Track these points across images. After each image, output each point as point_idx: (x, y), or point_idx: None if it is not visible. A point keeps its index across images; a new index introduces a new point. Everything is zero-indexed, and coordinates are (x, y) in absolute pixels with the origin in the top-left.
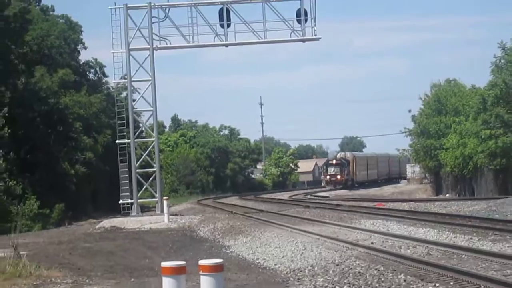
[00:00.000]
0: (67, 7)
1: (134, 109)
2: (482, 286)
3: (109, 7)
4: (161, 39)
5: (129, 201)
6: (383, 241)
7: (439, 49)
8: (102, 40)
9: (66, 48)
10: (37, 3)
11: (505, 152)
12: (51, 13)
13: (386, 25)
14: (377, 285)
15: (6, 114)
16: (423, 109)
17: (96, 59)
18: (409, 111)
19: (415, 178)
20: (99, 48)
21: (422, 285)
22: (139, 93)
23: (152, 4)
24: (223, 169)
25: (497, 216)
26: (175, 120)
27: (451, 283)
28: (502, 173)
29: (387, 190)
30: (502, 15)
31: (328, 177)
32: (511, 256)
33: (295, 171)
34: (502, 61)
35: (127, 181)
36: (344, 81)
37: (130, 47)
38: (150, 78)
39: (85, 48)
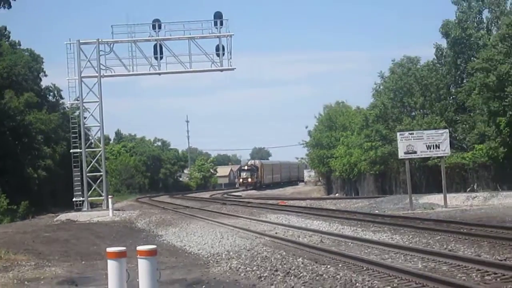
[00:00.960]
0: (31, 42)
1: (85, 125)
2: (365, 267)
3: (65, 42)
4: (107, 68)
5: (81, 199)
6: (285, 231)
7: (332, 78)
8: (59, 68)
9: (30, 75)
10: (7, 39)
11: (383, 160)
12: (18, 47)
13: (292, 58)
14: (280, 267)
15: None
16: (317, 126)
17: (54, 85)
18: (306, 127)
19: (311, 181)
20: (57, 75)
21: (317, 267)
22: (89, 112)
23: (100, 40)
24: (157, 173)
25: (377, 211)
26: (118, 133)
27: (340, 265)
28: (380, 177)
29: (288, 190)
30: (382, 51)
31: (241, 180)
32: (388, 244)
33: (215, 175)
34: (381, 87)
35: (79, 183)
36: (255, 102)
37: (82, 75)
38: (98, 100)
39: (45, 75)
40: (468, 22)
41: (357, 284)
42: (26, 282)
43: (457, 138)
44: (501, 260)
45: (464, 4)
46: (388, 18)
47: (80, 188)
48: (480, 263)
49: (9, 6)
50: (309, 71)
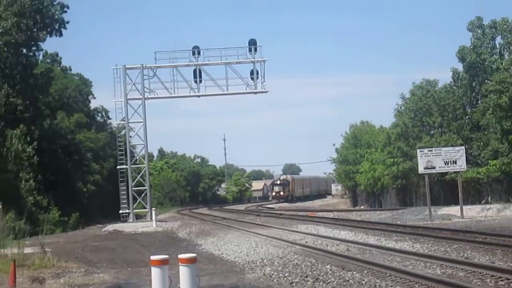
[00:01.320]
0: (81, 67)
1: (130, 143)
2: (388, 274)
3: (112, 67)
4: (151, 91)
5: (127, 211)
6: (314, 241)
7: (357, 99)
8: (107, 91)
9: (80, 98)
10: (58, 64)
11: (404, 175)
12: (69, 72)
13: (319, 81)
14: (309, 273)
15: (36, 147)
16: (344, 143)
17: (102, 106)
18: (334, 144)
19: (338, 194)
20: (104, 97)
21: (344, 273)
22: (134, 131)
23: (144, 65)
24: (196, 188)
25: (398, 222)
26: (161, 151)
27: (365, 272)
28: (402, 190)
29: (317, 203)
30: (404, 74)
31: (274, 193)
32: (409, 252)
33: (250, 189)
34: (402, 108)
35: (125, 196)
36: (286, 122)
37: (127, 97)
38: (142, 120)
39: (94, 97)
40: (482, 48)
41: None
42: None
43: (473, 154)
44: None
45: (479, 31)
46: (408, 44)
47: (126, 201)
48: (494, 270)
49: (61, 34)
50: (336, 92)
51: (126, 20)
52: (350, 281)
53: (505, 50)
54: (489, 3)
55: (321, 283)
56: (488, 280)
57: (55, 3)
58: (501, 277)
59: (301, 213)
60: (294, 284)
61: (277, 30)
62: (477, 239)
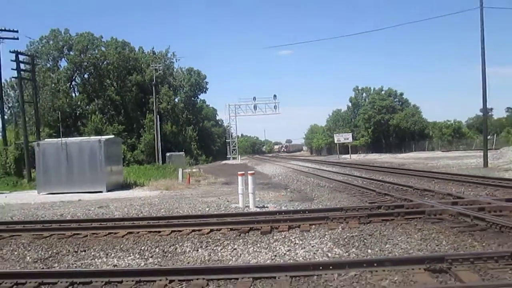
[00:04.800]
0: (213, 102)
1: (231, 133)
2: (323, 178)
3: (225, 104)
4: (238, 113)
5: (229, 156)
6: (297, 167)
7: (313, 115)
8: (223, 112)
9: (212, 115)
10: (204, 103)
11: (329, 143)
12: (209, 106)
13: (300, 108)
14: (294, 178)
15: (196, 132)
16: (308, 132)
17: (221, 118)
18: (304, 132)
19: (305, 150)
20: (222, 115)
21: (307, 178)
22: (233, 127)
23: (235, 104)
24: (255, 148)
25: (327, 160)
26: (243, 134)
27: (315, 178)
28: (329, 149)
29: (297, 154)
30: (332, 107)
31: (282, 150)
32: (330, 171)
33: (273, 148)
34: (329, 119)
35: (229, 151)
36: (287, 124)
37: (230, 115)
38: (234, 124)
39: (217, 115)
40: (354, 97)
41: (321, 184)
42: (211, 183)
43: (353, 136)
44: (369, 177)
45: (357, 91)
46: (334, 96)
47: (229, 152)
48: (362, 178)
49: (206, 92)
50: (306, 113)
51: (225, 82)
52: (309, 181)
53: (360, 98)
54: (364, 75)
55: (299, 182)
56: (360, 182)
57: (205, 80)
58: (364, 180)
59: (292, 157)
60: (289, 182)
61: (288, 85)
62: (356, 166)
